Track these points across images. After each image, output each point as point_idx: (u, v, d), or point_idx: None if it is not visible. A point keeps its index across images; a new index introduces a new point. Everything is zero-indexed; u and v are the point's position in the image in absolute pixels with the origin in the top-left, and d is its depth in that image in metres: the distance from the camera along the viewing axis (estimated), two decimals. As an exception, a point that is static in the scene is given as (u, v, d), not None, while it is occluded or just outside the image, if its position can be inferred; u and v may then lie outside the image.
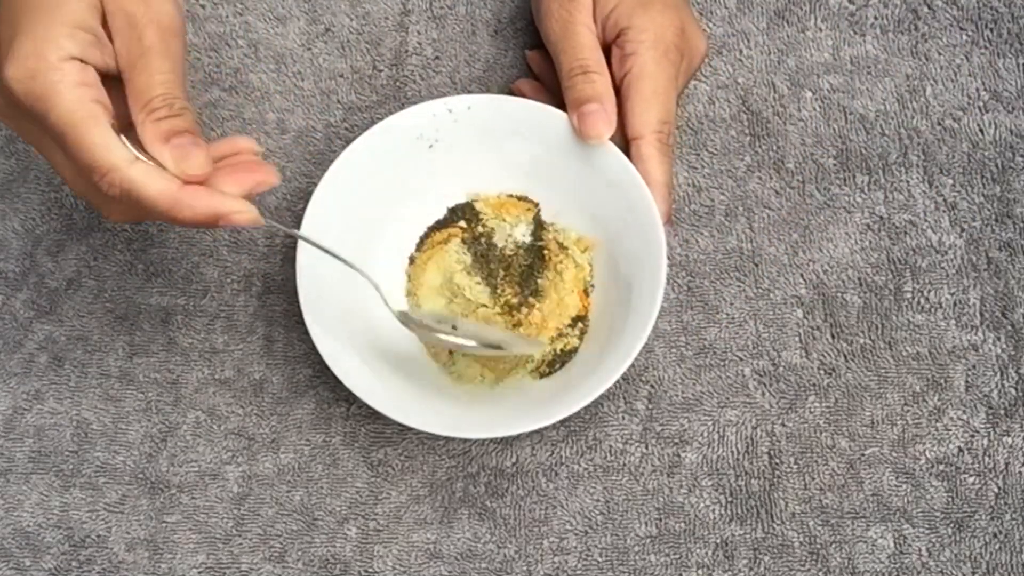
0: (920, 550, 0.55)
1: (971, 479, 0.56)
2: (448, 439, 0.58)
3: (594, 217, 0.58)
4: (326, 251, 0.52)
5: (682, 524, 0.56)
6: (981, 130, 0.61)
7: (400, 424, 0.52)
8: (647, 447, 0.58)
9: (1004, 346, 0.58)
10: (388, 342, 0.57)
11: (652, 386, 0.59)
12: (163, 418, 0.60)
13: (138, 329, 0.62)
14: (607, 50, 0.57)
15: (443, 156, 0.59)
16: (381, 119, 0.57)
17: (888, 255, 0.60)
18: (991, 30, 0.63)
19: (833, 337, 0.59)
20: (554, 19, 0.57)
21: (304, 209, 0.56)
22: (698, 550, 0.56)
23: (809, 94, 0.63)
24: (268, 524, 0.58)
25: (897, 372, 0.58)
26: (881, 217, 0.60)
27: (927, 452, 0.57)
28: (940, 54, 0.63)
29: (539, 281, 0.58)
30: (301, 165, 0.64)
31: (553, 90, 0.60)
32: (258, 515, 0.58)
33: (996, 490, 0.56)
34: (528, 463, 0.58)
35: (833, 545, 0.56)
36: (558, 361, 0.57)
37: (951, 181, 0.61)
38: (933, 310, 0.59)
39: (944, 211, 0.60)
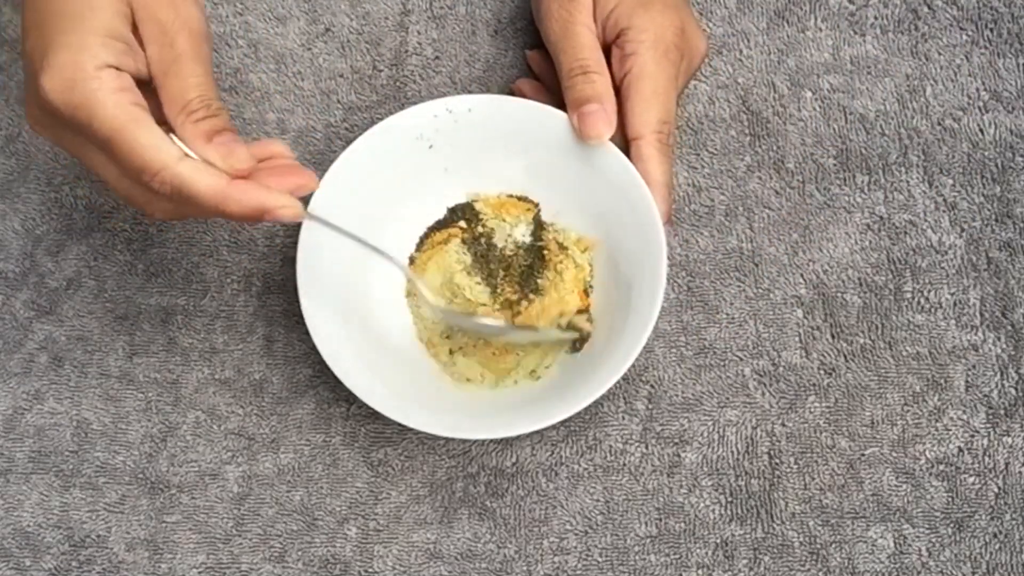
0: (920, 550, 0.55)
1: (971, 479, 0.56)
2: (448, 439, 0.58)
3: (594, 217, 0.58)
4: (373, 248, 0.53)
5: (682, 524, 0.56)
6: (981, 130, 0.61)
7: (400, 424, 0.52)
8: (647, 447, 0.58)
9: (1004, 346, 0.58)
10: (388, 343, 0.58)
11: (652, 386, 0.59)
12: (163, 418, 0.60)
13: (138, 329, 0.62)
14: (607, 50, 0.57)
15: (443, 156, 0.59)
16: (381, 119, 0.57)
17: (888, 255, 0.60)
18: (991, 30, 0.63)
19: (833, 337, 0.59)
20: (554, 19, 0.57)
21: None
22: (698, 550, 0.56)
23: (809, 94, 0.63)
24: (268, 524, 0.58)
25: (897, 372, 0.58)
26: (881, 217, 0.60)
27: (927, 452, 0.57)
28: (940, 54, 0.63)
29: (539, 281, 0.58)
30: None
31: (553, 90, 0.60)
32: (258, 515, 0.58)
33: (996, 490, 0.56)
34: (528, 463, 0.58)
35: (833, 545, 0.56)
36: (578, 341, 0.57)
37: (951, 181, 0.61)
38: (933, 310, 0.59)
39: (944, 211, 0.60)
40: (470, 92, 0.64)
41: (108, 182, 0.48)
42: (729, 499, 0.57)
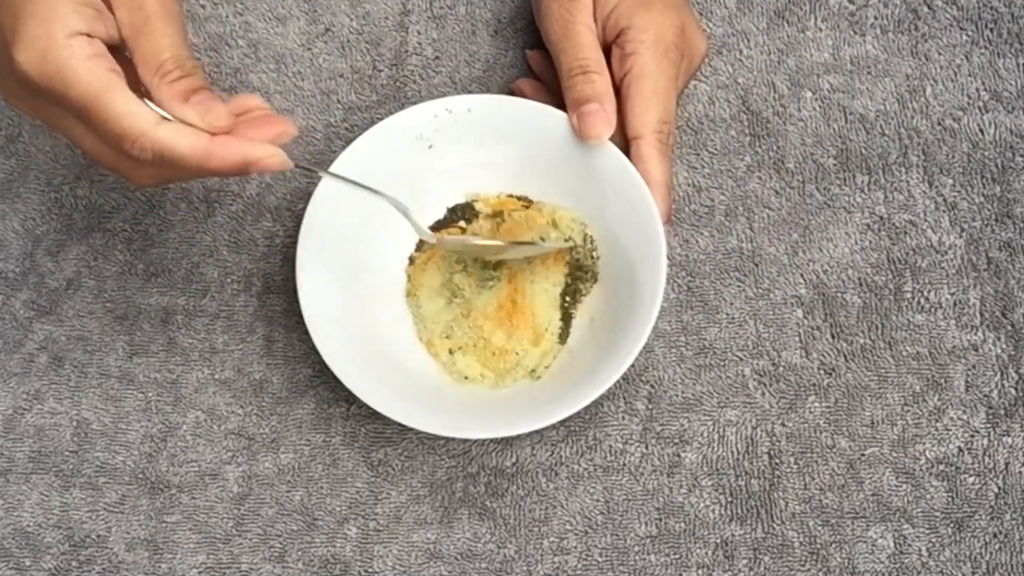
0: (920, 550, 0.55)
1: (971, 479, 0.56)
2: (448, 439, 0.58)
3: (594, 217, 0.58)
4: (353, 183, 0.52)
5: (682, 524, 0.56)
6: (981, 130, 0.61)
7: (400, 424, 0.52)
8: (647, 447, 0.58)
9: (1004, 346, 0.58)
10: (388, 342, 0.57)
11: (652, 386, 0.59)
12: (163, 418, 0.60)
13: (138, 329, 0.62)
14: (607, 50, 0.57)
15: (443, 156, 0.59)
16: (381, 119, 0.57)
17: (888, 255, 0.60)
18: (991, 30, 0.63)
19: (833, 337, 0.59)
20: (554, 19, 0.57)
21: (304, 209, 0.56)
22: (698, 550, 0.56)
23: (809, 94, 0.63)
24: (268, 524, 0.58)
25: (897, 372, 0.58)
26: (881, 217, 0.60)
27: (927, 452, 0.57)
28: (940, 54, 0.63)
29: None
30: (309, 171, 0.64)
31: (554, 90, 0.60)
32: (258, 515, 0.58)
33: (996, 490, 0.56)
34: (528, 463, 0.58)
35: (833, 545, 0.56)
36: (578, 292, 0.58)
37: (951, 181, 0.61)
38: (933, 310, 0.59)
39: (944, 211, 0.60)
40: (470, 92, 0.64)
41: (89, 152, 0.48)
42: (729, 499, 0.57)
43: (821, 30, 0.63)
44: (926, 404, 0.57)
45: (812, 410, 0.58)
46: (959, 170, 0.61)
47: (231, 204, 0.63)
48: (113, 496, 0.59)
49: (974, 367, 0.58)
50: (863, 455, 0.57)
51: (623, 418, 0.58)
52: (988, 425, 0.57)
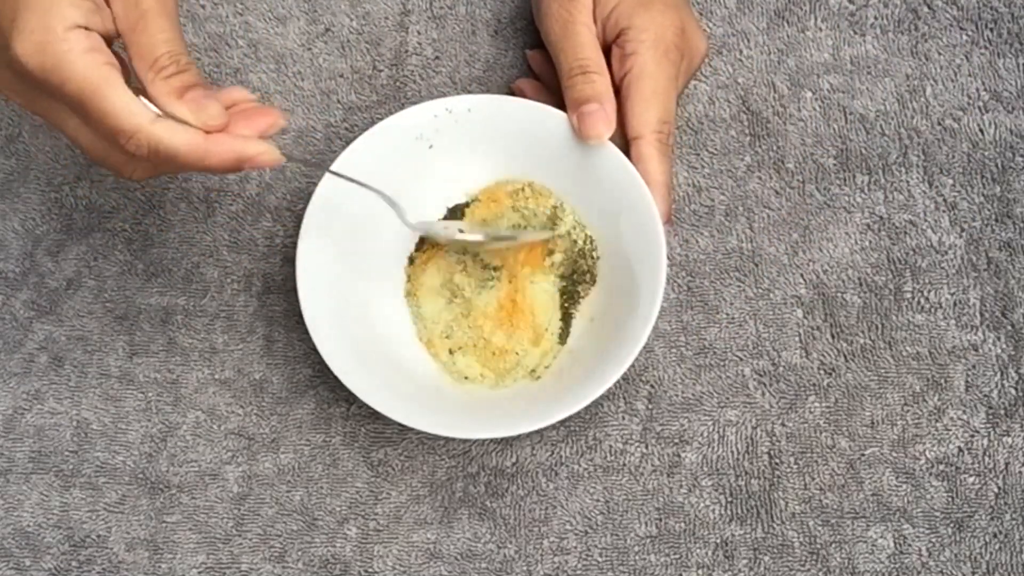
0: (920, 550, 0.55)
1: (971, 479, 0.56)
2: (448, 439, 0.58)
3: (594, 217, 0.58)
4: (345, 177, 0.52)
5: (682, 524, 0.56)
6: (981, 130, 0.61)
7: (400, 424, 0.52)
8: (647, 447, 0.58)
9: (1004, 346, 0.58)
10: (388, 342, 0.58)
11: (652, 386, 0.59)
12: (163, 418, 0.60)
13: (138, 329, 0.62)
14: (607, 50, 0.57)
15: (443, 156, 0.59)
16: (381, 119, 0.57)
17: (888, 255, 0.60)
18: (991, 30, 0.63)
19: (833, 337, 0.59)
20: (554, 19, 0.57)
21: (304, 209, 0.56)
22: (698, 550, 0.56)
23: (809, 94, 0.63)
24: (268, 524, 0.58)
25: (897, 372, 0.58)
26: (881, 217, 0.60)
27: (927, 452, 0.57)
28: (940, 54, 0.63)
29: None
30: (301, 165, 0.64)
31: (554, 90, 0.60)
32: (258, 515, 0.58)
33: (996, 490, 0.56)
34: (528, 463, 0.58)
35: (833, 545, 0.56)
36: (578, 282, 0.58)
37: (951, 181, 0.61)
38: (933, 310, 0.59)
39: (944, 211, 0.60)
40: (470, 92, 0.64)
41: (83, 146, 0.48)
42: (729, 499, 0.57)
43: (821, 30, 0.63)
44: (926, 404, 0.57)
45: (812, 410, 0.58)
46: (959, 170, 0.61)
47: (231, 204, 0.63)
48: (113, 496, 0.59)
49: (974, 367, 0.58)
50: (863, 455, 0.57)
51: (623, 418, 0.58)
52: (988, 425, 0.57)
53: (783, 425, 0.58)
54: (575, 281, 0.58)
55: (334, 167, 0.56)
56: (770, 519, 0.56)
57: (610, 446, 0.58)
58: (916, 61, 0.63)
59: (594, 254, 0.58)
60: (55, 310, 0.62)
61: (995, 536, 0.55)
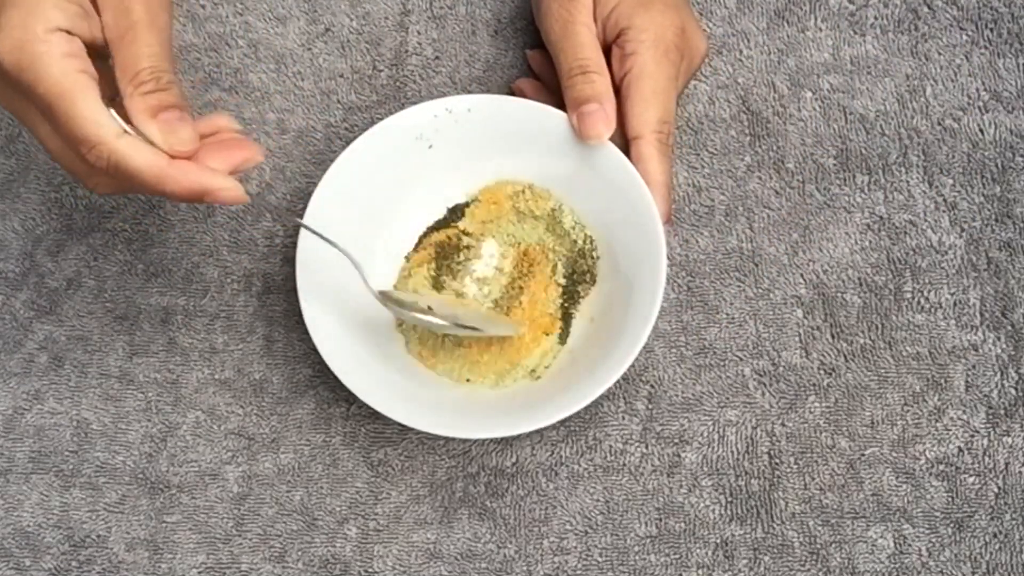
0: (920, 550, 0.55)
1: (971, 479, 0.56)
2: (448, 439, 0.58)
3: (594, 217, 0.58)
4: (303, 225, 0.52)
5: (682, 524, 0.56)
6: (981, 130, 0.61)
7: (400, 424, 0.52)
8: (647, 447, 0.58)
9: (1004, 346, 0.58)
10: (388, 342, 0.58)
11: (652, 386, 0.59)
12: (163, 418, 0.60)
13: (138, 329, 0.62)
14: (607, 50, 0.57)
15: (443, 156, 0.59)
16: (381, 119, 0.57)
17: (888, 255, 0.60)
18: (991, 30, 0.63)
19: (833, 337, 0.59)
20: (554, 19, 0.57)
21: (304, 209, 0.56)
22: (698, 550, 0.56)
23: (809, 94, 0.63)
24: (268, 524, 0.58)
25: (897, 372, 0.58)
26: (881, 217, 0.60)
27: (927, 452, 0.57)
28: (940, 54, 0.63)
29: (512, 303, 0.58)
30: (301, 165, 0.64)
31: (554, 89, 0.60)
32: (258, 515, 0.58)
33: (996, 490, 0.56)
34: (528, 463, 0.58)
35: (833, 545, 0.56)
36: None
37: (951, 181, 0.61)
38: (933, 310, 0.59)
39: (944, 211, 0.60)
40: (470, 92, 0.64)
41: (52, 152, 0.47)
42: (729, 499, 0.57)
43: (821, 30, 0.63)
44: (926, 404, 0.57)
45: (812, 410, 0.58)
46: (959, 170, 0.61)
47: (231, 204, 0.63)
48: (113, 496, 0.59)
49: (974, 367, 0.58)
50: (863, 455, 0.57)
51: (623, 418, 0.58)
52: (988, 425, 0.57)
53: (783, 425, 0.58)
54: (575, 281, 0.58)
55: (335, 170, 0.56)
56: (770, 519, 0.56)
57: (610, 446, 0.58)
58: (916, 61, 0.63)
59: (594, 254, 0.58)
60: (55, 310, 0.62)
61: (995, 536, 0.55)
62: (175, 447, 0.60)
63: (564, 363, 0.57)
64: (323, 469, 0.59)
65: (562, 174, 0.58)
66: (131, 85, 0.45)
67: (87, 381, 0.61)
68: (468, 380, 0.57)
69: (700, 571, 0.56)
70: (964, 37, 0.63)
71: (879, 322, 0.59)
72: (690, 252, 0.61)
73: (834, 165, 0.61)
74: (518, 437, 0.58)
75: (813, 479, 0.57)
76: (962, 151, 0.61)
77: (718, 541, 0.56)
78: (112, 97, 0.46)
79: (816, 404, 0.58)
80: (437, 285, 0.59)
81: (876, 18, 0.64)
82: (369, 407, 0.52)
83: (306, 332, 0.54)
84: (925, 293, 0.59)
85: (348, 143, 0.57)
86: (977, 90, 0.62)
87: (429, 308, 0.54)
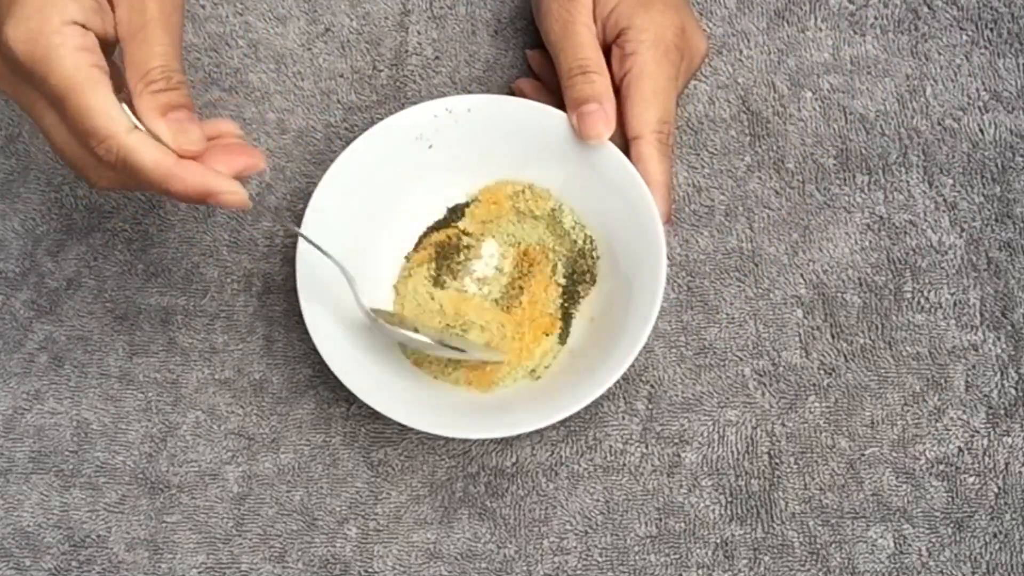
0: (920, 550, 0.55)
1: (971, 479, 0.56)
2: (448, 439, 0.58)
3: (594, 217, 0.58)
4: (300, 234, 0.52)
5: (682, 524, 0.56)
6: (981, 130, 0.61)
7: (400, 424, 0.52)
8: (647, 447, 0.58)
9: (1004, 346, 0.58)
10: (388, 342, 0.57)
11: (652, 386, 0.59)
12: (163, 418, 0.60)
13: (138, 329, 0.62)
14: (607, 50, 0.57)
15: (443, 156, 0.59)
16: (381, 119, 0.57)
17: (888, 255, 0.60)
18: (991, 30, 0.63)
19: (833, 337, 0.59)
20: (554, 19, 0.57)
21: (304, 209, 0.56)
22: (698, 550, 0.56)
23: (809, 94, 0.63)
24: (268, 524, 0.58)
25: (897, 372, 0.58)
26: (881, 217, 0.60)
27: (927, 452, 0.57)
28: (940, 54, 0.63)
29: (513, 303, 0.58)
30: (301, 165, 0.64)
31: (554, 89, 0.59)
32: (258, 515, 0.58)
33: (996, 490, 0.56)
34: (528, 463, 0.58)
35: (833, 545, 0.56)
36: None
37: (951, 181, 0.61)
38: (933, 310, 0.59)
39: (944, 211, 0.60)
40: (470, 92, 0.64)
41: (55, 144, 0.47)
42: (729, 499, 0.57)
43: (821, 30, 0.63)
44: (926, 404, 0.57)
45: (812, 410, 0.58)
46: (959, 170, 0.61)
47: (234, 209, 0.63)
48: (113, 496, 0.59)
49: (974, 367, 0.58)
50: (863, 455, 0.57)
51: (623, 418, 0.58)
52: (988, 425, 0.57)
53: (783, 425, 0.58)
54: (575, 281, 0.58)
55: (336, 170, 0.56)
56: (770, 519, 0.56)
57: (610, 446, 0.58)
58: (916, 61, 0.63)
59: (594, 254, 0.58)
60: (55, 310, 0.62)
61: (995, 536, 0.55)
62: (175, 447, 0.60)
63: (564, 363, 0.57)
64: (323, 469, 0.59)
65: (562, 174, 0.58)
66: (141, 83, 0.45)
67: (87, 381, 0.61)
68: (469, 384, 0.57)
69: (700, 571, 0.56)
70: (964, 37, 0.63)
71: (879, 322, 0.59)
72: (690, 252, 0.61)
73: (834, 165, 0.61)
74: (518, 437, 0.58)
75: (813, 479, 0.57)
76: (962, 151, 0.61)
77: (718, 541, 0.56)
78: (118, 92, 0.46)
79: (816, 404, 0.58)
80: (438, 284, 0.59)
81: (876, 18, 0.64)
82: (369, 407, 0.52)
83: (306, 332, 0.54)
84: (925, 293, 0.59)
85: (348, 143, 0.57)
86: (977, 90, 0.62)
87: (416, 329, 0.54)
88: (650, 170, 0.55)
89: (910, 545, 0.55)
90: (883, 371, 0.58)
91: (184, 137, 0.45)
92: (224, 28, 0.66)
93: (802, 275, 0.60)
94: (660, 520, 0.57)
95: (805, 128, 0.62)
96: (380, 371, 0.55)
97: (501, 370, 0.57)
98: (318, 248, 0.52)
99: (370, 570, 0.57)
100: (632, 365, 0.52)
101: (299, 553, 0.58)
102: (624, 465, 0.58)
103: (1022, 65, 0.62)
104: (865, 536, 0.56)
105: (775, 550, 0.56)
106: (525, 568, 0.57)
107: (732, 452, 0.57)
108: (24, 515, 0.59)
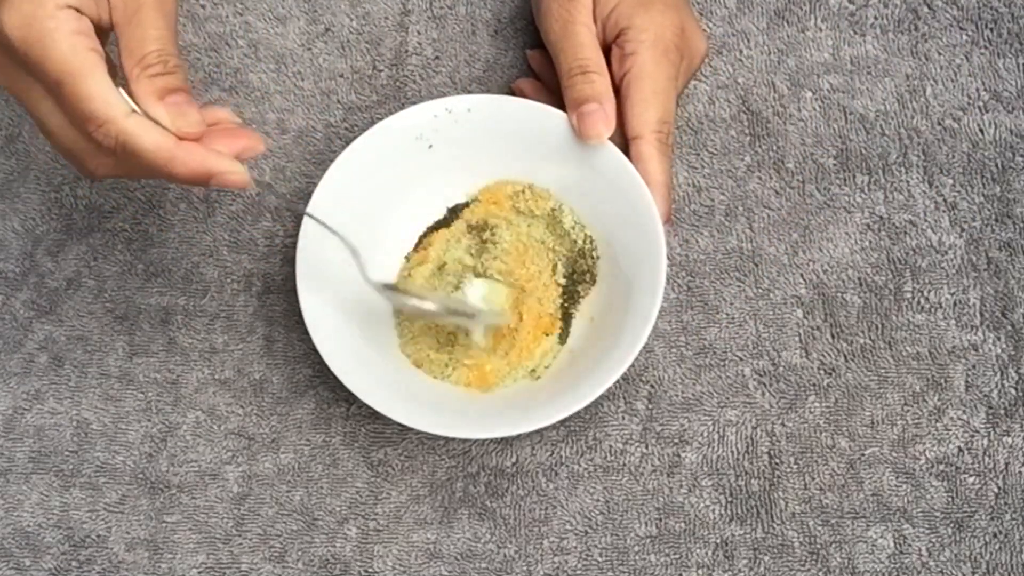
0: (920, 550, 0.55)
1: (971, 479, 0.56)
2: (448, 439, 0.58)
3: (594, 217, 0.58)
4: (306, 212, 0.52)
5: (682, 524, 0.56)
6: (981, 130, 0.61)
7: (400, 424, 0.52)
8: (647, 447, 0.58)
9: (1004, 346, 0.58)
10: (388, 342, 0.58)
11: (652, 386, 0.59)
12: (163, 418, 0.60)
13: (138, 329, 0.62)
14: (607, 50, 0.57)
15: (443, 156, 0.59)
16: (381, 119, 0.57)
17: (888, 255, 0.60)
18: (991, 30, 0.63)
19: (833, 337, 0.59)
20: (554, 19, 0.57)
21: (304, 208, 0.56)
22: (698, 550, 0.56)
23: (809, 94, 0.63)
24: (268, 524, 0.58)
25: (897, 372, 0.58)
26: (881, 217, 0.60)
27: (927, 452, 0.57)
28: (940, 54, 0.63)
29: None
30: (301, 165, 0.64)
31: (554, 90, 0.60)
32: (258, 515, 0.58)
33: (996, 490, 0.56)
34: (528, 463, 0.58)
35: (833, 545, 0.56)
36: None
37: (951, 181, 0.61)
38: (933, 310, 0.59)
39: (944, 211, 0.60)
40: (470, 92, 0.64)
41: (51, 132, 0.47)
42: (729, 499, 0.57)
43: (821, 30, 0.63)
44: (926, 404, 0.57)
45: (812, 410, 0.58)
46: (959, 170, 0.61)
47: (231, 204, 0.63)
48: (113, 496, 0.59)
49: (974, 367, 0.58)
50: (863, 455, 0.57)
51: (623, 418, 0.58)
52: (988, 425, 0.57)
53: (783, 425, 0.58)
54: (575, 281, 0.58)
55: (336, 169, 0.56)
56: (770, 519, 0.56)
57: (610, 446, 0.58)
58: (916, 61, 0.63)
59: (594, 254, 0.58)
60: (55, 310, 0.62)
61: (995, 536, 0.55)
62: (175, 447, 0.60)
63: (564, 363, 0.57)
64: (323, 469, 0.59)
65: (562, 174, 0.58)
66: (138, 67, 0.45)
67: (87, 381, 0.61)
68: (468, 385, 0.57)
69: (700, 571, 0.56)
70: (964, 37, 0.63)
71: (879, 322, 0.59)
72: (690, 252, 0.61)
73: (834, 165, 0.61)
74: (518, 437, 0.58)
75: (813, 479, 0.57)
76: (962, 151, 0.61)
77: (718, 541, 0.56)
78: (113, 77, 0.45)
79: (816, 404, 0.58)
80: (476, 256, 0.58)
81: (876, 18, 0.64)
82: (369, 407, 0.52)
83: (306, 332, 0.54)
84: (925, 293, 0.59)
85: (348, 143, 0.57)
86: (977, 90, 0.62)
87: (422, 298, 0.55)
88: (650, 170, 0.55)
89: (910, 545, 0.55)
90: (883, 371, 0.58)
91: (183, 120, 0.45)
92: (224, 28, 0.66)
93: (802, 275, 0.60)
94: (660, 520, 0.57)
95: (805, 128, 0.62)
96: (380, 371, 0.55)
97: (501, 370, 0.57)
98: (323, 225, 0.52)
99: (370, 570, 0.57)
100: (632, 365, 0.52)
101: (299, 553, 0.58)
102: (624, 465, 0.58)
103: (1022, 65, 0.62)
104: (865, 536, 0.56)
105: (775, 550, 0.56)
106: (525, 568, 0.57)
107: (732, 452, 0.57)
108: (24, 515, 0.59)
